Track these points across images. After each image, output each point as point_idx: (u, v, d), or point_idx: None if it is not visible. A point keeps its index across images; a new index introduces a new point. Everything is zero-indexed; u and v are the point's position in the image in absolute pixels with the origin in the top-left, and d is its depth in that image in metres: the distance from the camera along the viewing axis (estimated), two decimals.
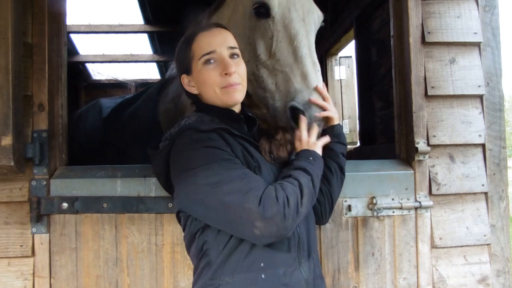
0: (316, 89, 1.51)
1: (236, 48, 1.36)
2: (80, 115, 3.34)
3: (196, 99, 1.41)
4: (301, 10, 1.82)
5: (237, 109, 1.40)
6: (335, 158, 1.52)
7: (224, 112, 1.36)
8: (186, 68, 1.37)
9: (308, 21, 1.83)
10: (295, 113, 1.58)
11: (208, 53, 1.31)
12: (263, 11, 1.77)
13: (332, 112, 1.50)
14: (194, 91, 1.38)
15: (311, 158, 1.34)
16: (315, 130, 1.45)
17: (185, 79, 1.38)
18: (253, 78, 1.77)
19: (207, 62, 1.31)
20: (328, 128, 1.51)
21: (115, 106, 3.03)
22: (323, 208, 1.51)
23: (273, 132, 1.49)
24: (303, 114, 1.58)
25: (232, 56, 1.33)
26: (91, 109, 3.28)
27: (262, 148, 1.39)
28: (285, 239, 1.24)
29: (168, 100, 2.50)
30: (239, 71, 1.33)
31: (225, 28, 1.40)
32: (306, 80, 1.66)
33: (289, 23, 1.78)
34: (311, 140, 1.42)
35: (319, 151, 1.41)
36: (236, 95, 1.32)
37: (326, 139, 1.47)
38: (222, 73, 1.29)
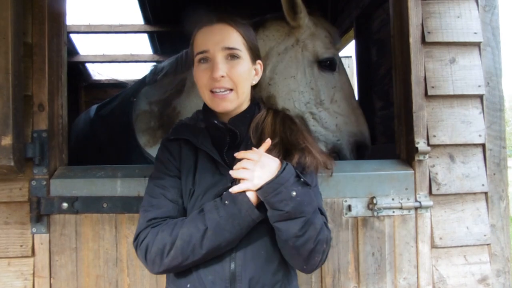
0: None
1: (235, 49, 1.21)
2: (75, 123, 3.35)
3: None
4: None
5: (227, 115, 1.29)
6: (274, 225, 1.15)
7: (209, 118, 1.29)
8: (191, 63, 1.31)
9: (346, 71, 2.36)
10: (360, 150, 2.23)
11: (201, 52, 1.22)
12: (328, 65, 2.22)
13: (244, 173, 1.14)
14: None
15: (226, 202, 1.12)
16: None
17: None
18: (313, 118, 2.20)
19: (201, 61, 1.24)
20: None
21: (98, 105, 3.03)
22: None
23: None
24: (367, 149, 2.23)
25: (229, 57, 1.21)
26: (83, 114, 3.29)
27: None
28: (209, 268, 1.16)
29: (148, 101, 2.54)
30: (233, 74, 1.21)
31: (231, 22, 1.24)
32: (364, 123, 2.28)
33: (344, 77, 2.29)
34: (244, 175, 1.13)
35: (250, 193, 1.12)
36: (223, 104, 1.22)
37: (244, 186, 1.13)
38: (211, 76, 1.20)
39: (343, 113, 2.22)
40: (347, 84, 2.29)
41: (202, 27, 1.26)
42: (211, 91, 1.22)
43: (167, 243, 1.13)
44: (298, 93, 2.20)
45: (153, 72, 2.68)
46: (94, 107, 3.14)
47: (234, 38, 1.22)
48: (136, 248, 1.20)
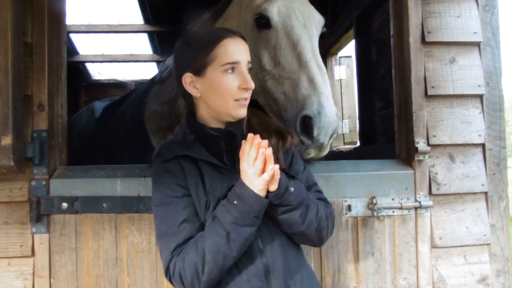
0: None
1: (250, 63, 1.32)
2: (74, 118, 3.31)
3: (190, 102, 1.34)
4: (301, 17, 1.83)
5: (217, 122, 1.31)
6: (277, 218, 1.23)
7: (200, 130, 1.31)
8: (196, 68, 1.27)
9: (309, 26, 1.84)
10: (306, 123, 1.55)
11: (233, 62, 1.25)
12: (264, 22, 1.80)
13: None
14: (195, 93, 1.28)
15: (235, 202, 1.16)
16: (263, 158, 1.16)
17: (187, 78, 1.28)
18: (263, 91, 1.77)
19: (228, 71, 1.25)
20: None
21: (106, 106, 3.00)
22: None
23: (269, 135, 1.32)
24: (312, 122, 1.52)
25: (247, 70, 1.30)
26: (85, 111, 3.26)
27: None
28: (240, 269, 1.21)
29: (159, 102, 2.47)
30: (252, 85, 1.30)
31: (244, 38, 1.34)
32: (313, 84, 1.63)
33: (290, 30, 1.78)
34: (251, 171, 1.15)
35: (258, 186, 1.15)
36: (244, 111, 1.29)
37: (265, 177, 1.15)
38: (241, 86, 1.25)
39: (289, 76, 1.69)
40: (296, 38, 1.76)
41: (227, 37, 1.27)
42: (235, 100, 1.27)
43: (198, 262, 1.15)
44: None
45: (161, 71, 2.58)
46: (98, 105, 3.11)
47: (249, 53, 1.32)
48: (171, 281, 1.20)
